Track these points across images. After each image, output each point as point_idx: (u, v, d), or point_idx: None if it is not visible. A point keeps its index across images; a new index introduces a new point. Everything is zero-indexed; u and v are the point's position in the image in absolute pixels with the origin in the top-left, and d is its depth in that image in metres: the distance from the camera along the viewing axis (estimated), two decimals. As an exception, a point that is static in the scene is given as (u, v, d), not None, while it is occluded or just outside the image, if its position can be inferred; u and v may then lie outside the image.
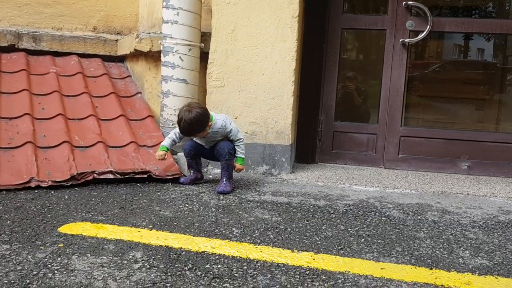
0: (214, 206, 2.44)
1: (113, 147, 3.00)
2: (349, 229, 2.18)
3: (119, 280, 1.57)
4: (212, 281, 1.60)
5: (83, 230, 2.02)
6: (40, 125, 3.06)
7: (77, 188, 2.63)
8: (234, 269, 1.69)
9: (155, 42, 3.40)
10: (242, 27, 3.13)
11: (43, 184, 2.58)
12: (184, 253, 1.82)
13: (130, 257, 1.77)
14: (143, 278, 1.60)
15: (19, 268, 1.63)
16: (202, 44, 3.25)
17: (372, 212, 2.46)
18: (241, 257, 1.81)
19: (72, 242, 1.88)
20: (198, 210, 2.37)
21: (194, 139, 2.83)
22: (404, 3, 3.35)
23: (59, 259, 1.72)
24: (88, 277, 1.59)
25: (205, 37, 3.28)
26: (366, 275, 1.69)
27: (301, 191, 2.83)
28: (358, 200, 2.70)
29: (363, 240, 2.06)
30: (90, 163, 2.79)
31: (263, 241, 1.99)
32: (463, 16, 3.63)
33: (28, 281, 1.53)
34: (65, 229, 2.03)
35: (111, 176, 2.74)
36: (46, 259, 1.71)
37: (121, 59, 4.06)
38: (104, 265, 1.69)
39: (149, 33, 3.54)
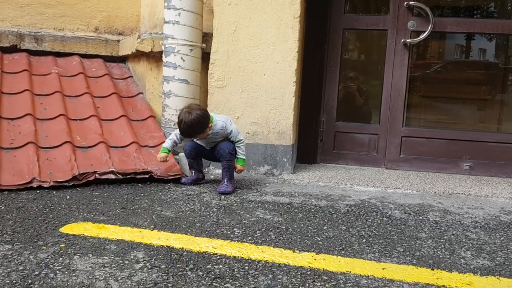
0: (215, 207, 2.44)
1: (114, 147, 3.01)
2: (350, 230, 2.18)
3: (121, 280, 1.57)
4: (214, 281, 1.60)
5: (85, 230, 2.02)
6: (42, 125, 3.07)
7: (78, 189, 2.63)
8: (235, 270, 1.70)
9: (156, 42, 3.40)
10: (244, 28, 3.13)
11: (45, 185, 2.59)
12: (185, 253, 1.83)
13: (132, 257, 1.77)
14: (144, 278, 1.60)
15: (21, 268, 1.63)
16: (204, 45, 3.25)
17: (374, 213, 2.46)
18: (242, 257, 1.81)
19: (73, 242, 1.88)
20: (199, 211, 2.37)
21: (195, 140, 2.83)
22: (405, 3, 3.34)
23: (60, 259, 1.72)
24: (90, 277, 1.59)
25: (207, 37, 3.28)
26: (368, 276, 1.69)
27: (302, 192, 2.83)
28: (360, 200, 2.70)
29: (364, 240, 2.06)
30: (91, 164, 2.79)
31: (265, 241, 1.99)
32: (465, 16, 3.63)
33: (30, 281, 1.54)
34: (66, 229, 2.03)
35: (112, 176, 2.74)
36: (48, 259, 1.71)
37: (123, 59, 4.07)
38: (105, 265, 1.69)
39: (151, 33, 3.55)
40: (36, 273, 1.60)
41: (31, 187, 2.57)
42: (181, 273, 1.65)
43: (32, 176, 2.60)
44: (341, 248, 1.96)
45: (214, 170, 3.19)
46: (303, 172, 3.30)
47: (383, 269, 1.76)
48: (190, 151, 2.85)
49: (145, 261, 1.74)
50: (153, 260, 1.75)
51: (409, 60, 3.42)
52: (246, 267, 1.72)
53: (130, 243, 1.90)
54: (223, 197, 2.63)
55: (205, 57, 3.27)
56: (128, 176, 2.78)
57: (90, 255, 1.77)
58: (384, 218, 2.37)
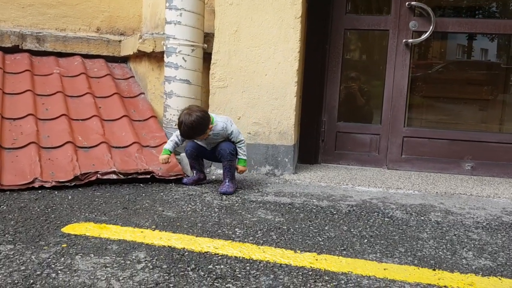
0: (217, 207, 2.45)
1: (116, 147, 3.01)
2: (352, 230, 2.18)
3: (122, 280, 1.58)
4: (215, 281, 1.60)
5: (87, 231, 2.03)
6: (43, 125, 3.07)
7: (80, 189, 2.64)
8: (237, 270, 1.70)
9: (158, 42, 3.40)
10: (245, 28, 3.13)
11: (47, 185, 2.59)
12: (187, 253, 1.83)
13: (133, 257, 1.77)
14: (146, 278, 1.60)
15: (22, 268, 1.64)
16: (205, 45, 3.25)
17: (375, 213, 2.46)
18: (244, 257, 1.81)
19: (75, 242, 1.89)
20: (201, 211, 2.37)
21: (196, 140, 2.83)
22: (407, 3, 3.34)
23: (62, 259, 1.72)
24: (92, 277, 1.59)
25: (208, 37, 3.28)
26: (369, 276, 1.69)
27: (304, 192, 2.83)
28: (361, 200, 2.69)
29: (366, 240, 2.05)
30: (93, 164, 2.80)
31: (266, 241, 1.99)
32: (467, 17, 3.62)
33: (31, 281, 1.54)
34: (68, 229, 2.03)
35: (114, 176, 2.75)
36: (49, 259, 1.71)
37: (125, 59, 4.07)
38: (107, 265, 1.69)
39: (152, 33, 3.55)
40: (38, 273, 1.61)
41: (33, 187, 2.57)
42: (182, 273, 1.65)
43: (34, 176, 2.60)
44: (342, 248, 1.95)
45: (216, 170, 3.20)
46: (304, 172, 3.30)
47: (384, 269, 1.76)
48: (191, 152, 2.85)
49: (146, 261, 1.74)
50: (154, 260, 1.75)
51: (411, 60, 3.42)
52: (248, 267, 1.72)
53: (131, 243, 1.90)
54: (224, 197, 2.64)
55: (207, 57, 3.27)
56: (130, 176, 2.79)
57: (92, 255, 1.78)
58: (386, 219, 2.37)
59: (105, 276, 1.60)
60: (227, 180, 2.74)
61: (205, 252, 1.85)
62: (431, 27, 3.31)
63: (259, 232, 2.10)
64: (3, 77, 3.47)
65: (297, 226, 2.20)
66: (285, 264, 1.77)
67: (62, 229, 2.03)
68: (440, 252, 1.95)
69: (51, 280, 1.56)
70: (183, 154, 2.98)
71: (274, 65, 3.12)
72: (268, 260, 1.79)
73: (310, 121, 3.52)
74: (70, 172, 2.68)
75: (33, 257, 1.73)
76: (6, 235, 1.93)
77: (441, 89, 3.96)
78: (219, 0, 3.15)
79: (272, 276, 1.66)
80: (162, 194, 2.64)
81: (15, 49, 3.86)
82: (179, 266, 1.71)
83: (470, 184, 3.18)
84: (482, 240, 2.12)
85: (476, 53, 3.94)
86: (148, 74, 3.63)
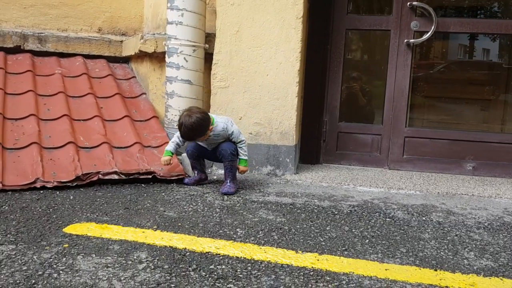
0: (218, 207, 2.45)
1: (117, 147, 3.01)
2: (353, 230, 2.18)
3: (124, 281, 1.58)
4: (217, 281, 1.60)
5: (88, 231, 2.03)
6: (45, 125, 3.08)
7: (82, 189, 2.64)
8: (238, 270, 1.70)
9: (159, 43, 3.41)
10: (247, 28, 3.13)
11: (49, 185, 2.60)
12: (188, 253, 1.83)
13: (135, 257, 1.77)
14: (147, 278, 1.60)
15: (24, 268, 1.64)
16: (207, 45, 3.26)
17: (377, 213, 2.46)
18: (245, 257, 1.81)
19: (77, 243, 1.89)
20: (202, 211, 2.37)
21: (196, 141, 2.83)
22: (408, 3, 3.34)
23: (64, 259, 1.73)
24: (93, 277, 1.59)
25: (210, 38, 3.28)
26: (371, 276, 1.69)
27: (305, 192, 2.83)
28: (363, 201, 2.69)
29: (367, 241, 2.05)
30: (95, 164, 2.80)
31: (267, 242, 1.99)
32: (468, 17, 3.61)
33: (33, 281, 1.54)
34: (70, 229, 2.04)
35: (115, 176, 2.75)
36: (51, 259, 1.72)
37: (126, 60, 4.08)
38: (108, 265, 1.69)
39: (154, 34, 3.55)
40: (40, 273, 1.61)
41: (34, 187, 2.58)
42: (184, 273, 1.65)
43: (35, 177, 2.61)
44: (344, 248, 1.95)
45: (217, 171, 3.20)
46: (306, 172, 3.30)
47: (386, 269, 1.76)
48: (192, 152, 2.85)
49: (148, 262, 1.74)
50: (156, 260, 1.76)
51: (412, 60, 3.42)
52: (249, 268, 1.72)
53: (133, 243, 1.91)
54: (226, 197, 2.64)
55: (208, 57, 3.27)
56: (131, 177, 2.79)
57: (93, 255, 1.78)
58: (387, 219, 2.37)
59: (107, 276, 1.61)
60: (228, 181, 2.74)
61: (206, 252, 1.85)
62: (433, 27, 3.31)
63: (260, 232, 2.10)
64: (5, 77, 3.48)
65: (298, 226, 2.20)
66: (287, 264, 1.77)
67: (63, 229, 2.03)
68: (441, 253, 1.95)
69: (52, 280, 1.56)
70: (185, 155, 2.99)
71: (276, 66, 3.12)
72: (269, 260, 1.79)
73: (312, 121, 3.52)
74: (72, 172, 2.69)
75: (35, 257, 1.73)
76: (8, 235, 1.93)
77: (442, 89, 3.95)
78: (221, 0, 3.15)
79: (273, 276, 1.66)
80: (163, 194, 2.64)
81: (17, 50, 3.86)
82: (180, 266, 1.71)
83: (472, 184, 3.17)
84: (484, 240, 2.12)
85: (478, 53, 3.93)
86: (150, 75, 3.63)
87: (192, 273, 1.66)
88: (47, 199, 2.43)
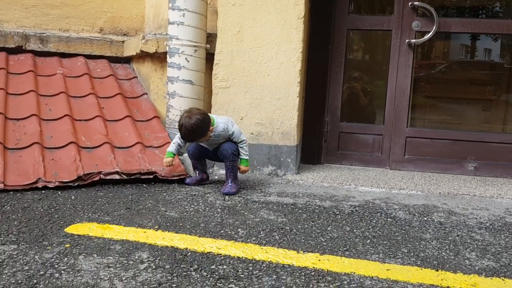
0: (219, 207, 2.45)
1: (119, 147, 3.02)
2: (354, 230, 2.18)
3: (125, 281, 1.58)
4: (218, 281, 1.60)
5: (90, 231, 2.03)
6: (47, 126, 3.08)
7: (83, 189, 2.64)
8: (239, 270, 1.70)
9: (161, 43, 3.41)
10: (248, 28, 3.13)
11: (50, 185, 2.60)
12: (189, 253, 1.83)
13: (136, 257, 1.78)
14: (149, 278, 1.61)
15: (26, 268, 1.64)
16: (208, 45, 3.26)
17: (378, 213, 2.46)
18: (246, 258, 1.81)
19: (78, 243, 1.89)
20: (203, 211, 2.37)
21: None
22: (410, 3, 3.34)
23: (65, 259, 1.73)
24: (95, 277, 1.60)
25: (211, 38, 3.29)
26: (372, 277, 1.69)
27: (306, 192, 2.83)
28: (364, 201, 2.69)
29: (368, 241, 2.05)
30: (96, 164, 2.80)
31: (269, 242, 1.99)
32: (470, 17, 3.61)
33: (35, 281, 1.55)
34: (71, 229, 2.04)
35: (117, 176, 2.75)
36: (53, 259, 1.72)
37: (128, 60, 4.08)
38: (110, 265, 1.70)
39: (155, 34, 3.56)
40: (41, 273, 1.61)
41: (36, 187, 2.58)
42: (185, 273, 1.66)
43: (37, 177, 2.61)
44: (345, 249, 1.95)
45: (219, 171, 3.20)
46: (307, 172, 3.30)
47: (387, 270, 1.76)
48: (194, 152, 2.86)
49: (149, 262, 1.74)
50: (157, 260, 1.76)
51: (414, 60, 3.41)
52: (250, 268, 1.72)
53: (134, 243, 1.91)
54: (227, 197, 2.64)
55: (209, 57, 3.27)
56: (133, 177, 2.79)
57: (95, 255, 1.78)
58: (389, 219, 2.37)
59: (108, 276, 1.61)
60: (229, 181, 2.74)
61: (207, 252, 1.85)
62: (434, 27, 3.30)
63: (261, 232, 2.10)
64: (6, 77, 3.48)
65: (299, 227, 2.20)
66: (288, 264, 1.77)
67: (65, 229, 2.03)
68: (443, 253, 1.95)
69: (54, 280, 1.56)
70: (186, 155, 2.99)
71: (277, 66, 3.12)
72: (270, 261, 1.79)
73: (313, 121, 3.52)
74: (73, 172, 2.69)
75: (36, 257, 1.74)
76: (10, 235, 1.94)
77: (444, 89, 3.95)
78: (222, 0, 3.15)
79: (274, 276, 1.66)
80: (165, 194, 2.64)
81: (18, 50, 3.87)
82: (182, 266, 1.71)
83: (473, 184, 3.17)
84: (485, 240, 2.12)
85: (480, 53, 3.92)
86: (151, 75, 3.63)
87: (193, 273, 1.66)
88: (48, 199, 2.44)
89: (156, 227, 2.11)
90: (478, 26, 3.39)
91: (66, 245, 1.86)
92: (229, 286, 1.57)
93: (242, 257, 1.82)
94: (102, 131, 3.11)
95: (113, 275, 1.62)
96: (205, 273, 1.66)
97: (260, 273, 1.68)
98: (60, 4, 4.02)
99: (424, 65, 3.82)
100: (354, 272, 1.72)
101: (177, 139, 2.83)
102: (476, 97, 3.90)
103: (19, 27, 3.98)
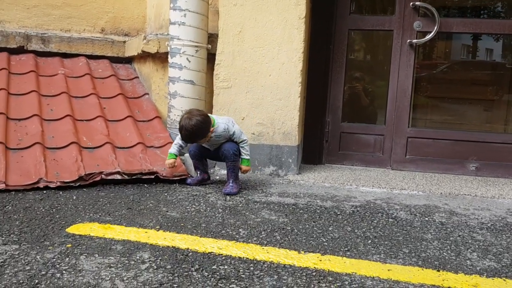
0: (221, 207, 2.45)
1: (120, 148, 3.02)
2: (356, 231, 2.18)
3: (127, 281, 1.58)
4: (219, 282, 1.60)
5: (91, 231, 2.03)
6: (48, 126, 3.09)
7: (85, 189, 2.65)
8: (240, 270, 1.70)
9: (162, 43, 3.41)
10: (249, 28, 3.13)
11: (52, 185, 2.61)
12: (191, 253, 1.83)
13: (138, 257, 1.78)
14: (150, 278, 1.61)
15: (27, 268, 1.64)
16: (209, 46, 3.26)
17: (379, 214, 2.45)
18: (247, 258, 1.81)
19: (80, 243, 1.89)
20: (205, 211, 2.37)
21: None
22: (411, 3, 3.33)
23: (67, 259, 1.73)
24: (96, 277, 1.60)
25: (212, 38, 3.29)
26: (373, 277, 1.69)
27: (307, 192, 2.83)
28: (365, 201, 2.69)
29: (370, 241, 2.05)
30: (98, 164, 2.81)
31: (270, 242, 1.99)
32: (471, 17, 3.61)
33: (36, 281, 1.55)
34: (73, 229, 2.04)
35: (118, 176, 2.76)
36: (54, 259, 1.72)
37: (129, 60, 4.08)
38: (111, 265, 1.70)
39: (157, 34, 3.56)
40: (43, 273, 1.61)
41: (37, 187, 2.59)
42: (186, 273, 1.66)
43: (39, 177, 2.62)
44: (346, 249, 1.95)
45: (220, 171, 3.20)
46: (308, 172, 3.30)
47: (388, 270, 1.76)
48: (195, 152, 2.86)
49: (150, 262, 1.74)
50: (158, 260, 1.76)
51: (415, 60, 3.41)
52: (252, 268, 1.72)
53: (136, 244, 1.91)
54: (228, 197, 2.64)
55: (211, 58, 3.27)
56: (134, 177, 2.79)
57: (96, 255, 1.78)
58: (390, 219, 2.37)
59: (110, 276, 1.61)
60: (231, 181, 2.74)
61: (209, 252, 1.85)
62: (436, 27, 3.30)
63: (263, 232, 2.10)
64: (8, 78, 3.49)
65: (301, 227, 2.20)
66: (289, 264, 1.77)
67: (66, 229, 2.03)
68: (444, 253, 1.95)
69: (56, 280, 1.56)
70: (187, 155, 2.99)
71: (278, 66, 3.12)
72: (272, 261, 1.79)
73: (314, 121, 3.52)
74: (75, 173, 2.70)
75: (38, 257, 1.74)
76: (11, 235, 1.94)
77: (445, 89, 3.95)
78: (223, 0, 3.15)
79: (276, 276, 1.66)
80: (166, 194, 2.64)
81: (20, 50, 3.87)
82: (183, 266, 1.71)
83: (475, 185, 3.17)
84: (487, 241, 2.12)
85: (481, 53, 3.92)
86: (153, 75, 3.63)
87: (194, 273, 1.66)
88: (50, 199, 2.44)
89: (158, 227, 2.12)
90: (480, 26, 3.39)
91: (67, 245, 1.86)
92: (230, 286, 1.57)
93: (243, 257, 1.82)
94: (104, 131, 3.11)
95: (114, 275, 1.62)
96: (206, 273, 1.66)
97: (261, 273, 1.68)
98: (62, 5, 4.02)
99: (425, 65, 3.82)
100: (355, 273, 1.72)
101: (178, 140, 2.83)
102: (477, 97, 3.90)
103: (21, 27, 3.99)
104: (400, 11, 3.38)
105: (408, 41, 3.37)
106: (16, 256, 1.74)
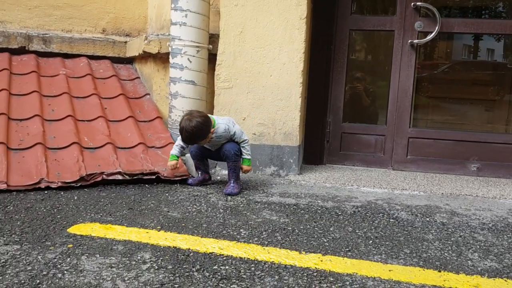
0: (222, 207, 2.45)
1: (121, 148, 3.02)
2: (357, 231, 2.18)
3: (128, 281, 1.58)
4: (220, 282, 1.60)
5: (92, 231, 2.04)
6: (50, 126, 3.09)
7: (86, 189, 2.65)
8: (241, 270, 1.70)
9: (163, 44, 3.41)
10: (250, 29, 3.14)
11: (53, 185, 2.61)
12: (192, 254, 1.83)
13: (139, 258, 1.78)
14: (151, 278, 1.61)
15: (29, 268, 1.65)
16: (210, 46, 3.26)
17: (380, 214, 2.45)
18: (248, 258, 1.81)
19: (81, 243, 1.90)
20: (206, 211, 2.38)
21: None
22: (412, 4, 3.33)
23: (68, 259, 1.73)
24: (97, 277, 1.60)
25: (213, 38, 3.29)
26: (374, 277, 1.69)
27: (308, 193, 2.83)
28: (366, 201, 2.69)
29: (371, 241, 2.05)
30: (99, 164, 2.81)
31: (271, 242, 1.99)
32: (473, 17, 3.60)
33: (38, 281, 1.55)
34: (74, 229, 2.04)
35: (119, 177, 2.76)
36: (55, 260, 1.73)
37: (130, 60, 4.09)
38: (112, 265, 1.70)
39: (158, 35, 3.56)
40: (44, 273, 1.62)
41: (39, 187, 2.59)
42: (187, 273, 1.66)
43: (40, 177, 2.62)
44: (347, 249, 1.95)
45: (221, 171, 3.20)
46: (309, 173, 3.30)
47: (389, 270, 1.76)
48: (196, 153, 2.86)
49: (152, 262, 1.75)
50: (159, 260, 1.76)
51: (416, 60, 3.41)
52: (253, 268, 1.72)
53: (137, 244, 1.91)
54: (229, 198, 2.64)
55: (212, 58, 3.27)
56: (135, 177, 2.80)
57: (98, 255, 1.78)
58: (391, 220, 2.37)
59: (111, 276, 1.61)
60: (232, 181, 2.75)
61: (210, 252, 1.85)
62: (437, 28, 3.30)
63: (264, 233, 2.10)
64: (9, 78, 3.49)
65: (302, 227, 2.20)
66: (290, 265, 1.77)
67: (68, 230, 2.04)
68: (445, 254, 1.95)
69: (57, 280, 1.57)
70: (188, 155, 2.99)
71: (279, 66, 3.12)
72: (273, 261, 1.79)
73: (315, 122, 3.52)
74: (76, 173, 2.70)
75: (39, 257, 1.74)
76: (13, 235, 1.94)
77: (446, 89, 3.94)
78: (224, 1, 3.15)
79: (277, 277, 1.66)
80: (167, 194, 2.64)
81: (21, 51, 3.88)
82: (184, 266, 1.72)
83: (476, 185, 3.16)
84: (488, 241, 2.12)
85: (482, 53, 3.92)
86: (154, 75, 3.64)
87: (195, 273, 1.66)
88: (51, 200, 2.45)
89: (159, 227, 2.12)
90: (481, 26, 3.39)
91: (68, 245, 1.86)
92: (231, 286, 1.58)
93: (244, 257, 1.82)
94: (105, 132, 3.11)
95: (115, 276, 1.62)
96: (207, 274, 1.66)
97: (262, 274, 1.68)
98: (63, 5, 4.03)
99: (426, 65, 3.82)
100: (356, 273, 1.72)
101: (179, 141, 2.83)
102: (479, 97, 3.89)
103: (22, 28, 3.99)
104: (401, 12, 3.38)
105: (409, 41, 3.37)
106: (18, 256, 1.74)
